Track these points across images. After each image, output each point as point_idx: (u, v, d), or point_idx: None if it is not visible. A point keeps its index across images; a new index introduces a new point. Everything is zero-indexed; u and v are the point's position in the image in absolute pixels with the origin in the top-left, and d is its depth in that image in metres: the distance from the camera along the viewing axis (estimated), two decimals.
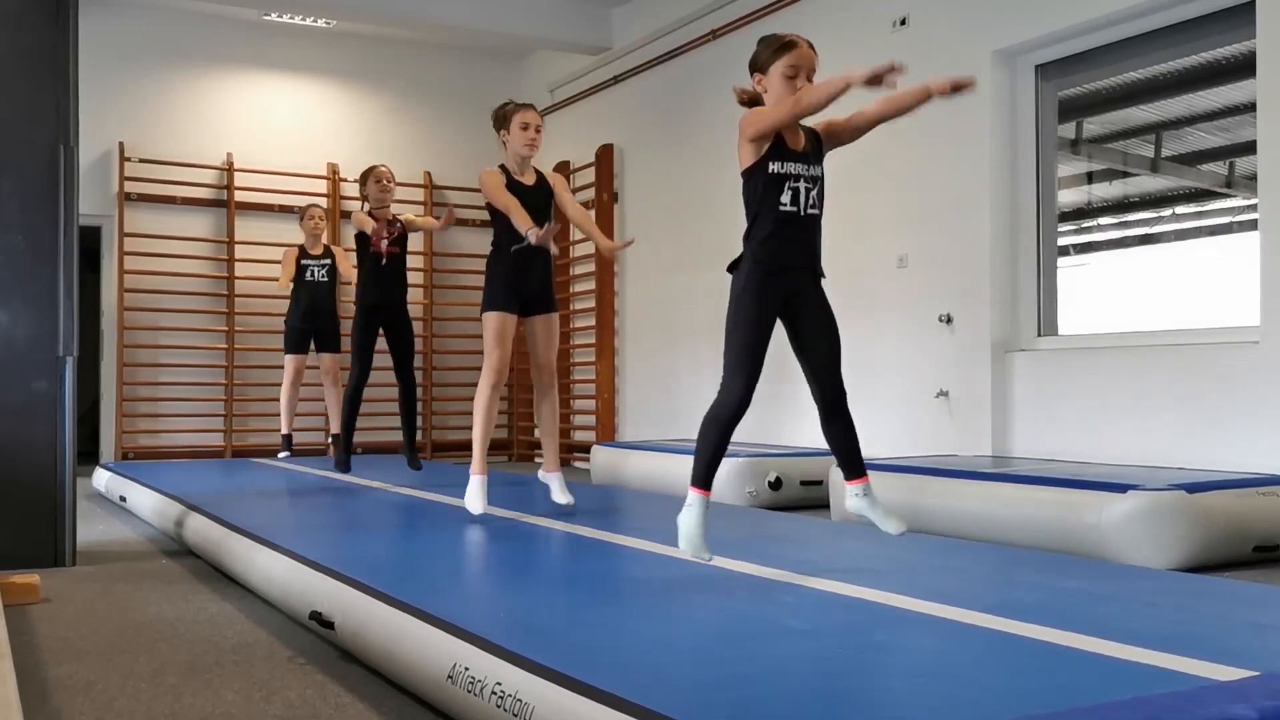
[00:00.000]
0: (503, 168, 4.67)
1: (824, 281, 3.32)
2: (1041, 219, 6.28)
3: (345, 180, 10.28)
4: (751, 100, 3.26)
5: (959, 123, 6.39)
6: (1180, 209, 9.90)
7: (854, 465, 3.27)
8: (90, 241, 9.29)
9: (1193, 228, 10.02)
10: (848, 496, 3.30)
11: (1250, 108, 5.35)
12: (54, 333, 4.44)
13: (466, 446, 10.33)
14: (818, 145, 3.25)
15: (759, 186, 3.15)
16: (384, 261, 5.88)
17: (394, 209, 6.29)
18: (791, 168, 3.15)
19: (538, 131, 4.66)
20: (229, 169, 9.87)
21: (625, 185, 9.53)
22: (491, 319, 4.59)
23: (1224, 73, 6.49)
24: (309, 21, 9.79)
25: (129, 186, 9.49)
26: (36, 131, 4.46)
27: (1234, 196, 9.01)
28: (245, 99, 10.07)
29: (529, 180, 4.67)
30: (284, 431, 7.65)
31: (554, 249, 4.43)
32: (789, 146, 3.17)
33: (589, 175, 9.79)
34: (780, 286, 3.15)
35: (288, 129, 10.20)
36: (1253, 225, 5.29)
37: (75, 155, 4.51)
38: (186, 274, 9.67)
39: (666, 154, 8.95)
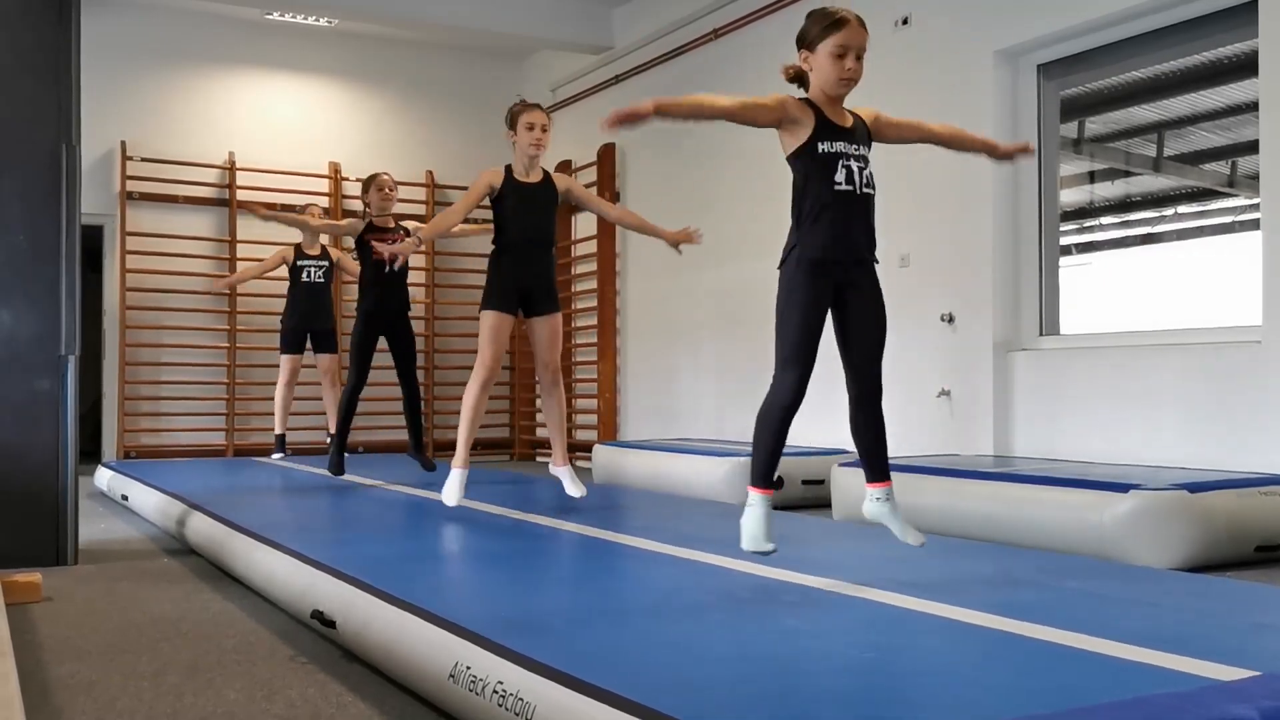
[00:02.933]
0: (509, 168, 4.67)
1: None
2: (1043, 218, 6.27)
3: (347, 180, 10.28)
4: (796, 76, 3.10)
5: (961, 122, 6.35)
6: (1182, 208, 9.89)
7: (878, 467, 3.12)
8: (92, 241, 9.30)
9: (1195, 227, 10.01)
10: (867, 500, 3.14)
11: (1252, 107, 5.36)
12: (56, 332, 4.44)
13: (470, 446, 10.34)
14: (865, 130, 3.10)
15: (808, 168, 2.99)
16: (387, 269, 5.90)
17: (396, 206, 6.30)
18: (841, 146, 2.99)
19: (544, 131, 4.65)
20: (231, 168, 9.88)
21: (627, 185, 9.53)
22: (487, 317, 4.60)
23: (1226, 72, 6.48)
24: (311, 21, 9.79)
25: (131, 186, 9.49)
26: (38, 131, 4.46)
27: (1236, 196, 9.00)
28: (247, 98, 10.08)
29: (534, 179, 4.67)
30: (278, 431, 7.60)
31: (397, 262, 4.51)
32: (834, 124, 3.02)
33: (591, 175, 9.78)
34: (832, 275, 3.00)
35: (289, 128, 10.21)
36: (1255, 225, 5.28)
37: (77, 154, 4.51)
38: (188, 273, 9.67)
39: (668, 154, 8.94)
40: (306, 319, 7.33)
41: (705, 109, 3.04)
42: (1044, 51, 6.21)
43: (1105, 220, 10.06)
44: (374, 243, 5.85)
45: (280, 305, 8.04)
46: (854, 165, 3.01)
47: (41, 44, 4.48)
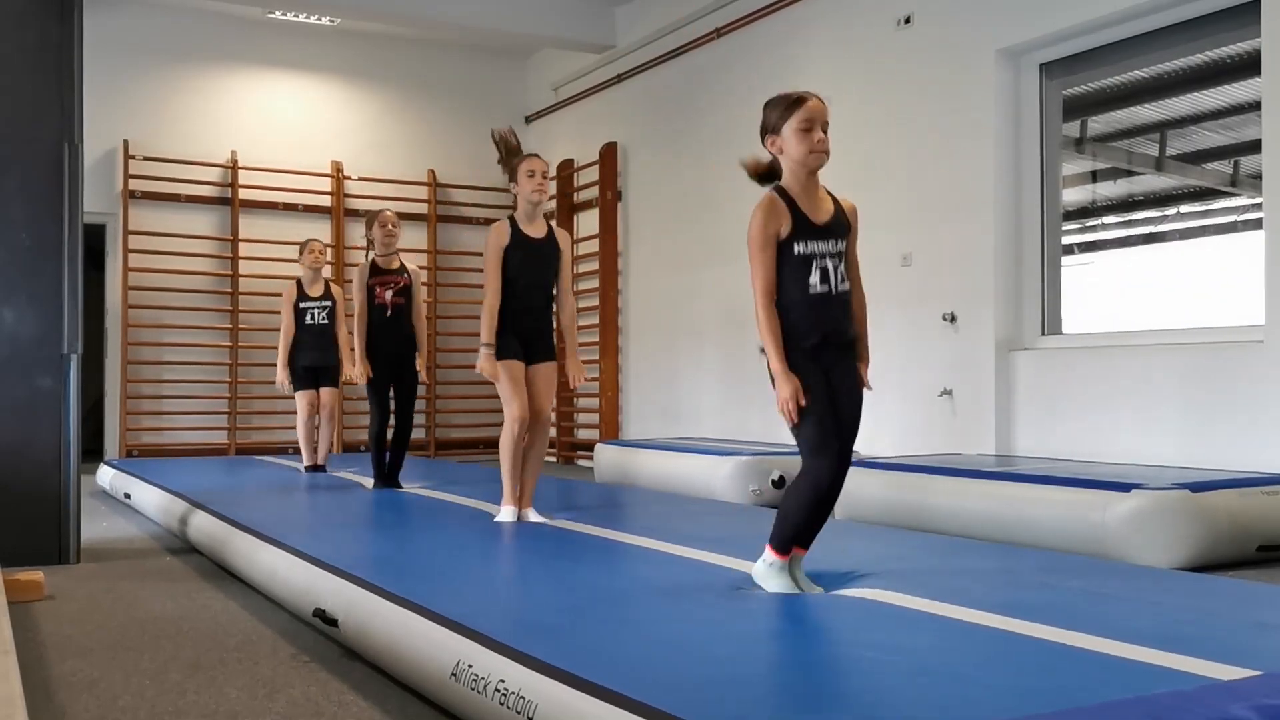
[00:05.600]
0: (512, 220, 4.64)
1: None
2: (1045, 218, 6.27)
3: (349, 178, 10.29)
4: (765, 172, 3.08)
5: (963, 121, 6.39)
6: (1185, 208, 9.89)
7: (811, 535, 3.05)
8: (94, 239, 9.30)
9: (1197, 226, 10.01)
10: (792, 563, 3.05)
11: (1255, 106, 5.35)
12: (58, 330, 4.45)
13: (470, 444, 10.36)
14: (845, 222, 3.09)
15: (784, 266, 2.99)
16: (389, 313, 5.86)
17: (397, 204, 6.28)
18: (816, 246, 2.99)
19: (544, 177, 4.63)
20: (233, 167, 9.88)
21: (629, 183, 9.54)
22: (505, 369, 4.59)
23: (1229, 71, 6.48)
24: (313, 19, 9.79)
25: (133, 184, 9.50)
26: (41, 129, 4.46)
27: (1239, 195, 9.00)
28: (250, 97, 10.08)
29: (538, 233, 4.63)
30: (306, 463, 7.38)
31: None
32: (812, 222, 3.00)
33: (593, 173, 9.79)
34: (821, 357, 3.00)
35: (292, 127, 10.21)
36: (1257, 224, 5.28)
37: (80, 153, 4.52)
38: (191, 272, 9.69)
39: (670, 152, 8.95)
40: (313, 358, 7.15)
41: (769, 320, 2.95)
42: (1046, 50, 6.20)
43: (1107, 219, 10.06)
44: (377, 286, 5.82)
45: (281, 304, 7.97)
46: (829, 264, 3.00)
47: (44, 42, 4.49)
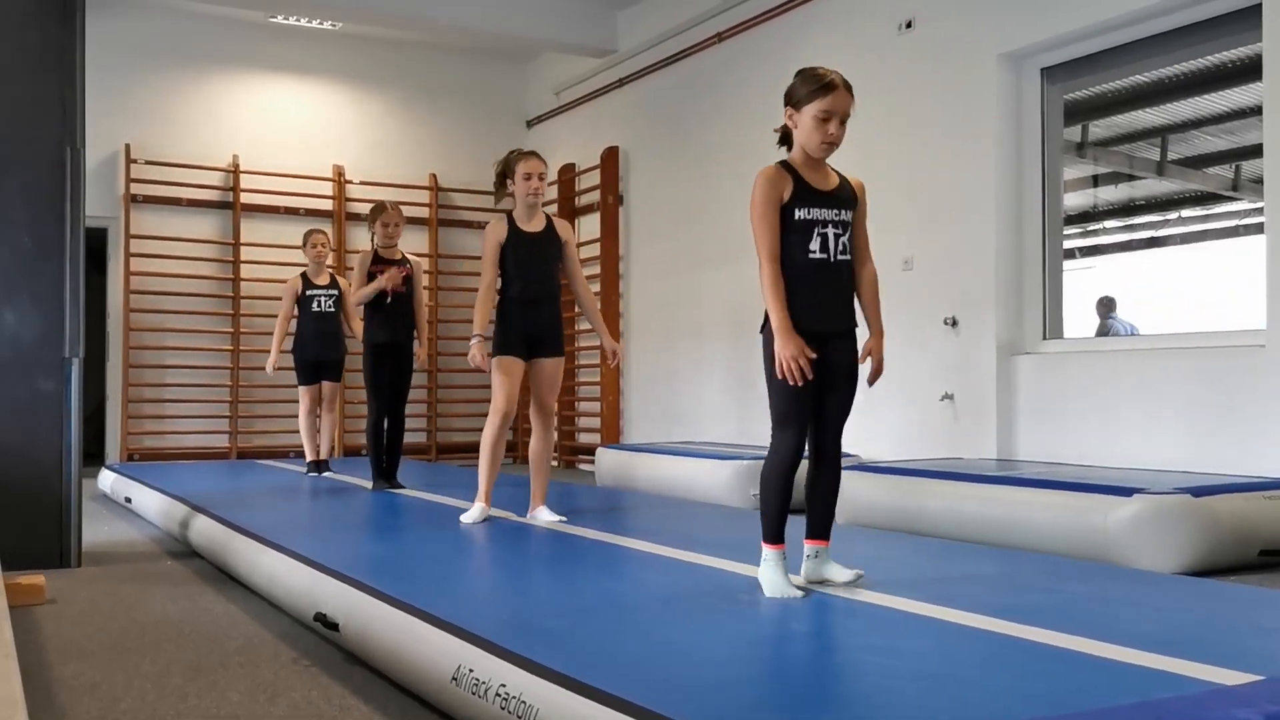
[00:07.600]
0: (510, 217, 4.65)
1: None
2: (1047, 222, 6.27)
3: (351, 182, 10.29)
4: (784, 138, 3.08)
5: (965, 125, 6.39)
6: (1186, 212, 9.89)
7: (823, 526, 3.12)
8: (96, 242, 9.30)
9: (1198, 231, 10.01)
10: (805, 559, 3.11)
11: (1257, 111, 5.35)
12: (60, 333, 4.45)
13: (471, 448, 10.33)
14: (851, 193, 3.09)
15: (785, 234, 2.99)
16: (389, 300, 5.89)
17: (401, 223, 6.24)
18: (819, 212, 2.99)
19: (540, 179, 4.61)
20: (235, 170, 9.89)
21: (630, 187, 9.54)
22: (498, 363, 4.60)
23: (1230, 76, 6.49)
24: (315, 23, 9.81)
25: (135, 188, 9.51)
26: (43, 132, 4.47)
27: (1240, 200, 9.00)
28: (251, 100, 10.09)
29: (535, 227, 4.63)
30: (309, 458, 7.36)
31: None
32: (815, 188, 3.00)
33: (594, 178, 9.79)
34: (813, 341, 2.97)
35: (294, 131, 10.22)
36: (1259, 229, 5.28)
37: (82, 156, 4.52)
38: (192, 275, 9.69)
39: (671, 156, 8.95)
40: (319, 350, 7.09)
41: (774, 280, 2.94)
42: (1048, 55, 6.20)
43: (1109, 224, 10.06)
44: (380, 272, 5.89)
45: (283, 292, 7.92)
46: (830, 232, 3.00)
47: (46, 45, 4.49)
